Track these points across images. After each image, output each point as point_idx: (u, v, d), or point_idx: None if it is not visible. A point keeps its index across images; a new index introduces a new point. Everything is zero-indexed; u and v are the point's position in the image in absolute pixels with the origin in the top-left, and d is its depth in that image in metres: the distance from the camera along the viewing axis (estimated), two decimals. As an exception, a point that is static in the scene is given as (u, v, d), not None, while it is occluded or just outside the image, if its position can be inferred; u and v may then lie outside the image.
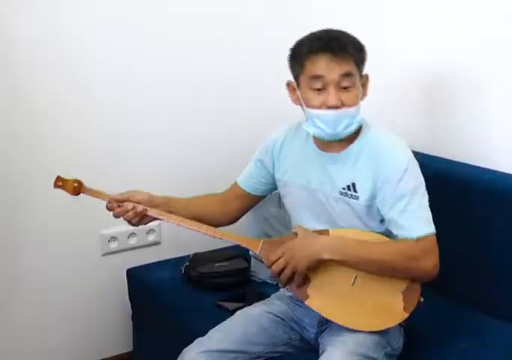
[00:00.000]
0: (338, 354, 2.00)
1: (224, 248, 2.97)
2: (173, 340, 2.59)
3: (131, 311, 2.93)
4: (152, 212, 2.19)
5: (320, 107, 2.03)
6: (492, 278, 2.43)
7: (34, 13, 2.62)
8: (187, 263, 2.79)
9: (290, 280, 2.11)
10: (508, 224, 2.37)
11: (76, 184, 2.20)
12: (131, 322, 2.96)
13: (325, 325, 2.20)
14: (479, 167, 2.51)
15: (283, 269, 2.08)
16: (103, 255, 2.96)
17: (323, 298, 2.13)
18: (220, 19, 3.01)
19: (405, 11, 2.78)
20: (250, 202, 2.39)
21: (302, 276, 2.10)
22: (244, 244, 2.21)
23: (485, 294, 2.45)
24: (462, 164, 2.56)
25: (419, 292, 2.08)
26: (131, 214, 2.18)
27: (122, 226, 2.92)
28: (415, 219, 2.02)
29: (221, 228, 2.26)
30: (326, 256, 2.04)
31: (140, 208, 2.18)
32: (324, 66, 2.00)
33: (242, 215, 2.42)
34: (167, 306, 2.68)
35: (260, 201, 2.43)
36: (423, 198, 2.05)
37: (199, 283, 2.71)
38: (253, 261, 2.80)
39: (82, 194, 2.22)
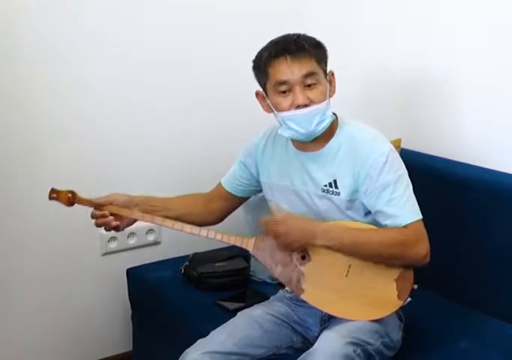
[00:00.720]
0: (332, 335, 2.02)
1: (224, 248, 2.97)
2: (172, 340, 2.60)
3: (130, 311, 2.93)
4: (135, 215, 2.25)
5: (289, 109, 2.07)
6: (492, 278, 2.43)
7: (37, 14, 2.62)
8: (186, 263, 2.79)
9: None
10: (508, 224, 2.37)
11: (69, 195, 2.23)
12: (130, 321, 2.96)
13: (327, 322, 2.21)
14: (479, 167, 2.52)
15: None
16: (103, 255, 2.95)
17: (318, 291, 2.14)
18: (218, 17, 3.00)
19: (392, 10, 2.80)
20: (233, 202, 2.43)
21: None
22: (237, 243, 2.22)
23: (485, 294, 2.46)
24: (461, 164, 2.57)
25: (412, 279, 2.10)
26: (111, 221, 2.23)
27: (122, 226, 2.96)
28: (402, 206, 2.06)
29: (212, 228, 2.26)
30: (318, 242, 2.07)
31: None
32: (286, 69, 2.05)
33: (227, 215, 2.45)
34: (166, 306, 2.67)
35: (244, 202, 2.46)
36: (407, 186, 2.09)
37: (198, 282, 2.70)
38: (253, 260, 2.80)
39: (76, 205, 2.25)
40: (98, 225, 2.26)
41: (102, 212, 2.23)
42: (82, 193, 2.22)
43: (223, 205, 2.41)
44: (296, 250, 2.13)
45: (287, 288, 2.33)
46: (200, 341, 2.13)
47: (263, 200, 2.76)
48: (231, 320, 2.21)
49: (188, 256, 2.84)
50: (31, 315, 2.85)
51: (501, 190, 2.40)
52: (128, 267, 2.88)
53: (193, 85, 3.01)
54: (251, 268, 2.79)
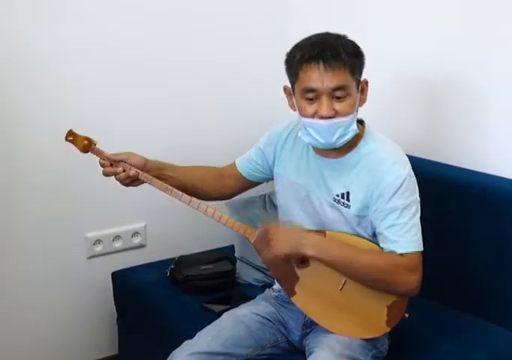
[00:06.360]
0: (325, 355, 2.00)
1: (210, 251, 2.99)
2: (158, 343, 2.59)
3: (116, 314, 2.92)
4: (144, 177, 2.17)
5: (313, 116, 1.99)
6: (478, 279, 2.45)
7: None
8: (172, 266, 2.79)
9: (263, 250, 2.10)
10: (491, 226, 2.39)
11: (86, 142, 2.17)
12: (116, 325, 2.95)
13: (309, 327, 2.21)
14: (467, 170, 2.53)
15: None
16: (89, 258, 2.94)
17: (310, 298, 2.13)
18: (218, 18, 3.02)
19: (404, 12, 2.76)
20: (244, 184, 2.38)
21: (277, 256, 2.09)
22: (241, 231, 2.17)
23: (471, 295, 2.48)
24: (446, 166, 2.58)
25: (404, 308, 2.08)
26: (122, 175, 2.16)
27: (107, 229, 2.95)
28: (402, 234, 2.00)
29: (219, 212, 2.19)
30: (309, 252, 2.03)
31: (132, 171, 2.16)
32: (317, 77, 1.95)
33: (237, 194, 2.43)
34: (152, 309, 2.67)
35: (254, 187, 2.41)
36: (414, 215, 2.02)
37: (184, 285, 2.70)
38: (238, 263, 2.80)
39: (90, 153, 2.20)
40: (106, 174, 2.19)
41: (113, 169, 2.16)
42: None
43: (234, 184, 2.37)
44: (284, 257, 2.08)
45: (273, 287, 2.35)
46: (186, 342, 2.13)
47: (249, 202, 2.79)
48: (217, 321, 2.21)
49: (174, 258, 2.83)
50: (16, 319, 2.83)
51: (489, 192, 2.41)
52: (114, 270, 2.88)
53: (192, 85, 3.02)
54: (237, 271, 2.80)
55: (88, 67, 2.76)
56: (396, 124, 2.78)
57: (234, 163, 2.37)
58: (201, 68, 3.03)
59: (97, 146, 2.19)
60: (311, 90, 1.97)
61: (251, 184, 2.39)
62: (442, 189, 2.49)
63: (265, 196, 2.83)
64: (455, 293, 2.51)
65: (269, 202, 2.82)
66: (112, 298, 2.90)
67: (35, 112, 2.70)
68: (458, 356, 2.21)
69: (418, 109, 2.78)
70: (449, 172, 2.55)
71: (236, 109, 3.17)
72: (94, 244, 2.93)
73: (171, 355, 2.10)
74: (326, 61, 1.94)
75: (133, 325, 2.84)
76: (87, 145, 2.18)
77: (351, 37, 2.04)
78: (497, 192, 2.40)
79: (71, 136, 2.20)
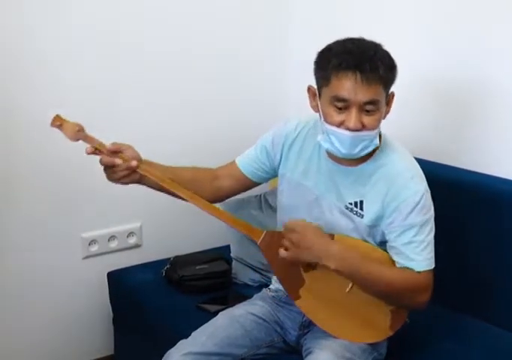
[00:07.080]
0: (326, 356, 2.00)
1: (205, 251, 2.99)
2: (154, 343, 2.59)
3: (112, 314, 2.92)
4: (144, 170, 2.03)
5: (338, 126, 1.95)
6: (475, 280, 2.46)
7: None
8: (168, 266, 2.79)
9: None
10: (494, 227, 2.40)
11: (77, 128, 1.99)
12: (112, 325, 2.95)
13: (307, 328, 2.21)
14: (472, 171, 2.54)
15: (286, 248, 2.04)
16: (84, 258, 2.93)
17: (314, 302, 2.12)
18: (218, 17, 3.02)
19: (413, 12, 2.73)
20: (244, 185, 2.29)
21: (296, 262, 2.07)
22: (245, 232, 2.14)
23: (467, 295, 2.49)
24: (452, 168, 2.59)
25: (406, 314, 2.10)
26: (123, 165, 2.00)
27: (102, 230, 2.95)
28: (419, 252, 2.00)
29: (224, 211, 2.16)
30: (332, 265, 1.99)
31: (133, 163, 2.01)
32: (350, 88, 1.90)
33: (231, 196, 2.33)
34: (148, 309, 2.67)
35: (251, 188, 2.33)
36: (430, 232, 2.03)
37: (180, 285, 2.70)
38: (234, 263, 2.80)
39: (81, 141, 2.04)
40: (103, 163, 2.02)
41: (111, 159, 1.99)
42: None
43: (232, 185, 2.27)
44: (303, 264, 2.07)
45: (270, 287, 2.35)
46: (181, 342, 2.12)
47: (244, 202, 2.78)
48: (212, 320, 2.21)
49: (170, 258, 2.83)
50: (11, 319, 2.83)
51: (491, 193, 2.42)
52: (109, 270, 2.87)
53: (192, 84, 3.02)
54: (233, 271, 2.79)
55: (89, 66, 2.76)
56: (410, 126, 2.78)
57: (234, 163, 2.28)
58: (201, 68, 3.03)
59: (86, 132, 2.03)
60: (342, 99, 1.93)
61: (251, 184, 2.30)
62: (443, 190, 2.46)
63: (260, 196, 2.83)
64: (454, 294, 2.51)
65: (264, 203, 2.82)
66: (107, 299, 2.89)
67: (35, 112, 2.68)
68: (457, 357, 2.22)
69: (447, 115, 2.74)
70: (454, 173, 2.56)
71: (236, 108, 3.17)
72: (89, 245, 2.93)
73: (166, 354, 2.10)
74: (364, 73, 1.89)
75: (128, 325, 2.84)
76: (78, 133, 2.00)
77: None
78: (498, 193, 2.41)
79: (58, 122, 2.04)
